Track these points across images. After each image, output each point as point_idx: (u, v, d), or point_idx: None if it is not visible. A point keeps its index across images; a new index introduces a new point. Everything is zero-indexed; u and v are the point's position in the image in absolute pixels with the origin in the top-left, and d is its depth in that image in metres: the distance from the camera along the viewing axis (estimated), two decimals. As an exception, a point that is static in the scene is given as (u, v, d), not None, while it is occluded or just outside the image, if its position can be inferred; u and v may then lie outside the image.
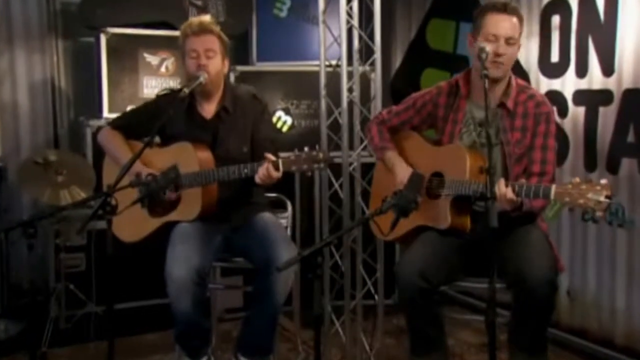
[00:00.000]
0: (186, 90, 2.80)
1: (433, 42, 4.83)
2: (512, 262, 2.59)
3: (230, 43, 3.10)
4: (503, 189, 2.47)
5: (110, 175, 3.04)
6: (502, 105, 2.77)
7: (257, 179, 2.73)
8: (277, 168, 2.68)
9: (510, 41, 2.68)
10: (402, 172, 2.90)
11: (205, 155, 2.95)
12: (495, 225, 2.11)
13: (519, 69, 3.89)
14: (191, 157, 2.91)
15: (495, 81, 2.71)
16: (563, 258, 3.69)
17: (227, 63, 3.06)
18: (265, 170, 2.69)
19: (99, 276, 3.81)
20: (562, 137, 3.67)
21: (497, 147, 2.77)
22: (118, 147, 3.08)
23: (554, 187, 2.38)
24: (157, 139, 3.09)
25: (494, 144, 2.74)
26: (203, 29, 2.95)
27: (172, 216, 2.97)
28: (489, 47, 2.61)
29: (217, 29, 2.99)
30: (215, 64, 2.97)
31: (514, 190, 2.48)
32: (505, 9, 2.70)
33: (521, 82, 2.85)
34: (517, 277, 2.55)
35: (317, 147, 2.73)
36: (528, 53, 3.92)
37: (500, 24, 2.69)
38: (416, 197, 2.43)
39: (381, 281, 3.80)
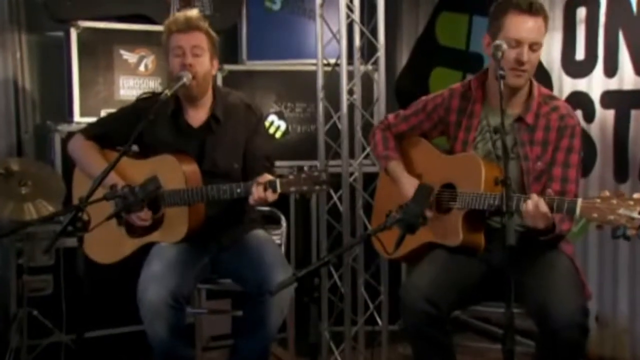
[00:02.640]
0: (168, 93, 2.81)
1: (443, 39, 4.86)
2: (534, 294, 2.57)
3: (218, 40, 3.12)
4: (543, 205, 2.44)
5: (81, 188, 3.05)
6: (520, 119, 2.78)
7: (252, 201, 2.76)
8: (274, 190, 2.71)
9: (535, 47, 2.66)
10: (407, 185, 2.91)
11: (192, 169, 2.97)
12: (513, 243, 2.12)
13: (539, 69, 3.90)
14: (175, 172, 2.92)
15: (514, 89, 2.72)
16: (591, 280, 3.70)
17: (216, 64, 3.09)
18: (262, 193, 2.71)
19: (68, 301, 3.79)
20: (588, 144, 3.69)
21: (515, 161, 2.77)
22: (91, 159, 3.09)
23: (580, 202, 2.38)
24: (134, 148, 3.11)
25: (511, 157, 2.75)
26: (190, 26, 2.98)
27: (154, 237, 2.99)
28: (505, 46, 2.58)
29: (205, 25, 3.02)
30: (203, 63, 2.99)
31: (546, 202, 2.45)
32: (530, 9, 2.64)
33: (545, 90, 2.85)
34: (540, 315, 2.53)
35: (317, 166, 2.76)
36: (550, 50, 3.94)
37: (525, 28, 2.64)
38: (424, 211, 2.44)
39: (385, 305, 3.82)
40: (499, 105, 2.40)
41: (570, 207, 2.41)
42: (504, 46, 2.58)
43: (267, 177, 2.73)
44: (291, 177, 2.70)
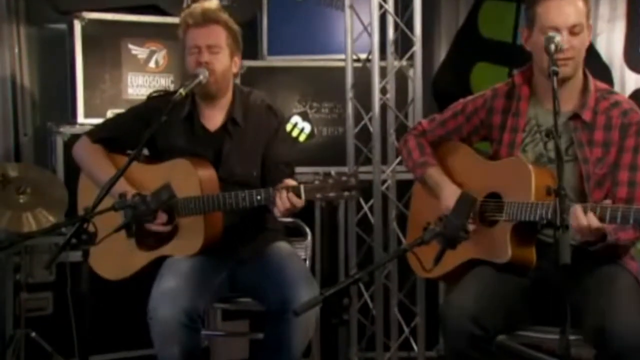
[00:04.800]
0: (182, 92, 2.82)
1: (487, 30, 4.85)
2: (593, 316, 2.54)
3: (240, 33, 3.12)
4: (582, 218, 2.45)
5: (87, 196, 3.08)
6: (575, 117, 2.76)
7: (277, 212, 2.77)
8: (298, 196, 2.72)
9: (576, 29, 2.67)
10: (449, 194, 2.90)
11: (208, 174, 2.99)
12: (567, 261, 2.10)
13: (598, 63, 3.88)
14: (190, 178, 2.95)
15: (563, 81, 2.70)
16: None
17: (237, 60, 3.11)
18: (286, 199, 2.72)
19: (71, 321, 3.81)
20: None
21: (571, 163, 2.76)
22: (99, 164, 3.12)
23: None
24: (145, 152, 3.13)
25: (567, 160, 2.73)
26: (207, 19, 3.00)
27: (167, 250, 3.01)
28: (558, 38, 2.57)
29: (224, 17, 3.04)
30: (221, 61, 3.01)
31: (596, 214, 2.45)
32: None
33: (602, 85, 2.84)
34: (599, 339, 2.49)
35: (347, 170, 2.76)
36: (611, 42, 3.91)
37: (560, 12, 2.67)
38: (466, 224, 2.44)
39: (422, 328, 3.81)
40: (549, 104, 2.38)
41: (629, 216, 2.38)
42: (557, 38, 2.57)
43: (290, 182, 2.75)
44: (316, 182, 2.71)
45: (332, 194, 2.70)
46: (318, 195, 2.71)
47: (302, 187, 2.71)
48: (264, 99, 3.18)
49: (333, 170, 2.76)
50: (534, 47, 2.74)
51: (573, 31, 2.67)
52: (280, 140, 3.15)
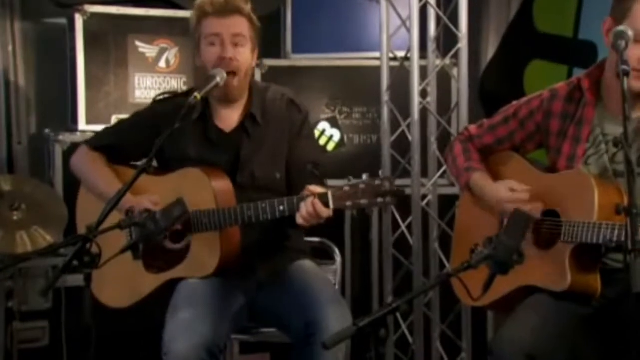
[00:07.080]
0: (198, 96, 2.81)
1: (543, 24, 4.82)
2: None
3: (260, 27, 3.14)
4: None
5: (88, 213, 3.09)
6: None
7: (300, 219, 2.75)
8: (326, 204, 2.70)
9: None
10: (494, 192, 2.88)
11: (223, 185, 2.99)
12: (640, 290, 2.08)
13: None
14: (203, 189, 2.95)
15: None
16: None
17: (255, 56, 3.11)
18: (311, 207, 2.71)
19: (70, 354, 3.83)
20: None
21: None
22: (100, 176, 3.13)
23: None
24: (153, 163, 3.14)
25: (638, 173, 2.67)
26: (230, 8, 3.00)
27: (178, 272, 3.01)
28: (631, 33, 2.50)
29: (247, 7, 3.05)
30: (245, 57, 3.02)
31: None
32: None
33: None
34: None
35: (380, 173, 2.75)
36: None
37: None
38: (520, 246, 2.41)
39: (468, 365, 3.78)
40: (617, 110, 2.35)
41: None
42: (630, 33, 2.52)
43: (316, 189, 2.73)
44: (346, 188, 2.69)
45: (364, 201, 2.69)
46: (348, 203, 2.70)
47: (330, 193, 2.70)
48: (285, 93, 3.18)
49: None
50: (610, 39, 2.64)
51: None
52: (305, 138, 3.15)
